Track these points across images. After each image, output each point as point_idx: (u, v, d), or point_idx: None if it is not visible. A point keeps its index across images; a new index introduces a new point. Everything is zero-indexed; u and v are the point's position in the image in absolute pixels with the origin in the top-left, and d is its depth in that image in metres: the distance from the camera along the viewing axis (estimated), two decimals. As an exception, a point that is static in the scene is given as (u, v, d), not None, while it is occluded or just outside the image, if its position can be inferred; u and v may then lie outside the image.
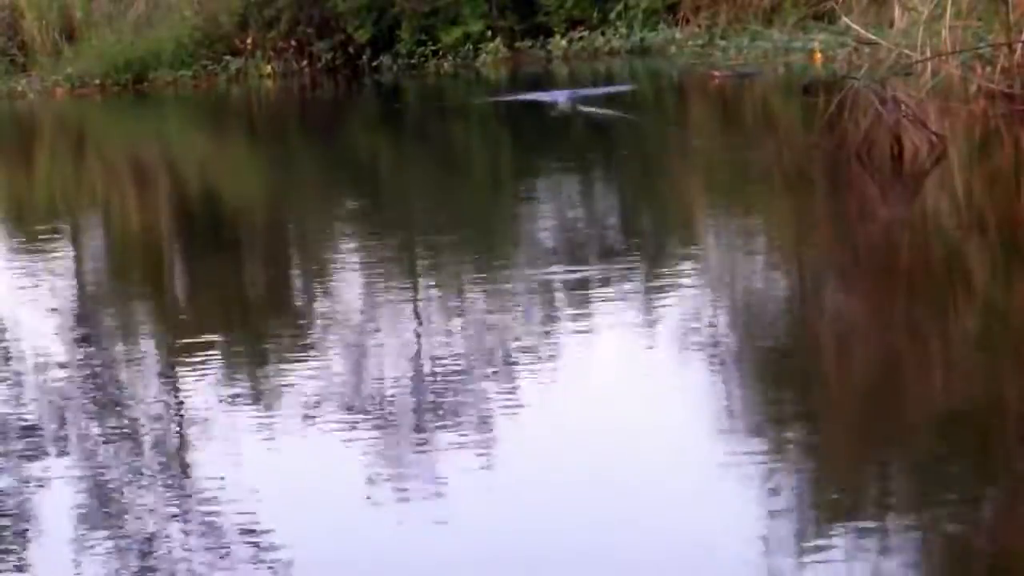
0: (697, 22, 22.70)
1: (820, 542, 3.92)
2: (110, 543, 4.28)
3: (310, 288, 8.09)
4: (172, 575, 4.05)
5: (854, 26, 15.45)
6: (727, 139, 13.45)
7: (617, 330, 6.32)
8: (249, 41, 25.37)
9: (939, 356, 5.76)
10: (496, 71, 23.17)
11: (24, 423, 5.62)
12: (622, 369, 5.81)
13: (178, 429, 5.44)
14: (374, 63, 24.62)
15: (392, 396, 5.61)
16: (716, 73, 18.23)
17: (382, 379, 5.89)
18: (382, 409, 5.42)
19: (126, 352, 6.87)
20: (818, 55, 18.06)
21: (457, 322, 6.77)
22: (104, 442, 5.30)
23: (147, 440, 5.31)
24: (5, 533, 4.46)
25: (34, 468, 5.05)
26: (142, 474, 4.91)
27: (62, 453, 5.22)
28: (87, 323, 7.64)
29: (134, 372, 6.44)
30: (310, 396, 5.60)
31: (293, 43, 25.07)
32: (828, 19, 18.81)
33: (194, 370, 6.20)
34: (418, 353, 6.27)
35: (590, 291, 7.12)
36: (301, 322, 7.09)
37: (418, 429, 5.14)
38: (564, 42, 23.84)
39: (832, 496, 4.27)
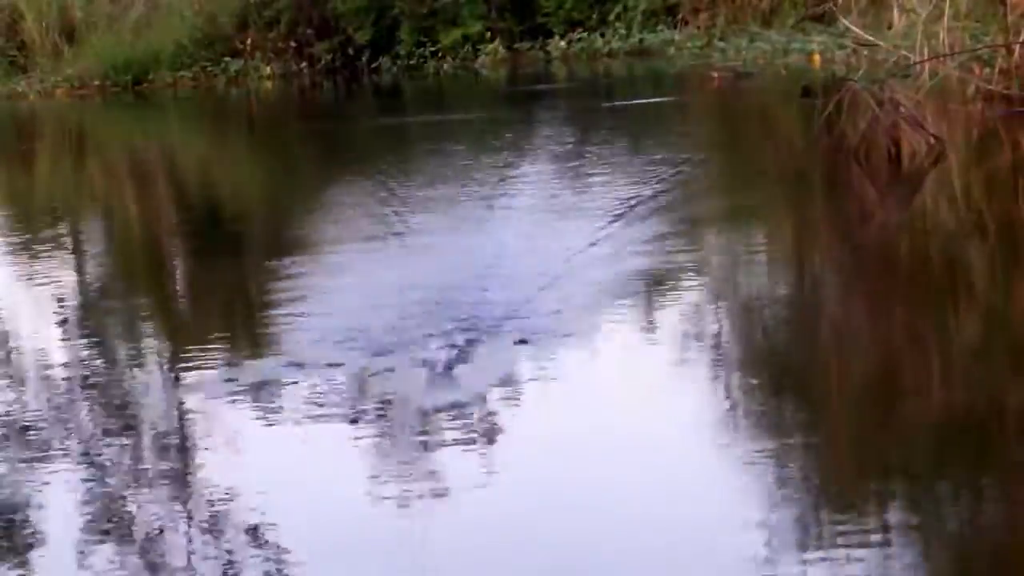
0: (696, 23, 22.74)
1: (820, 543, 3.95)
2: (114, 542, 4.31)
3: (306, 288, 8.08)
4: (177, 571, 4.08)
5: (853, 28, 15.48)
6: (726, 140, 13.49)
7: (617, 331, 6.34)
8: (249, 42, 25.40)
9: (939, 357, 5.78)
10: (495, 72, 23.22)
11: (25, 422, 5.66)
12: (623, 370, 5.83)
13: (181, 426, 5.47)
14: (373, 64, 24.66)
15: (395, 392, 5.63)
16: (716, 75, 18.26)
17: (383, 373, 5.90)
18: (385, 404, 5.45)
19: (128, 350, 6.90)
20: (817, 57, 18.10)
21: (463, 320, 6.76)
22: (110, 438, 5.33)
23: (149, 439, 5.34)
24: (9, 532, 4.49)
25: (35, 466, 5.08)
26: (146, 471, 4.94)
27: (65, 451, 5.26)
28: (90, 323, 7.66)
29: (137, 370, 6.46)
30: (311, 397, 5.62)
31: (292, 44, 25.10)
32: (827, 21, 18.84)
33: (195, 367, 6.23)
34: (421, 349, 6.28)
35: (591, 296, 7.14)
36: (298, 322, 7.09)
37: (423, 424, 5.17)
38: (563, 43, 23.89)
39: (832, 497, 4.30)
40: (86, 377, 6.38)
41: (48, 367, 6.63)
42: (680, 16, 23.10)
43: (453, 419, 5.23)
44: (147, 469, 4.98)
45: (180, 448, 5.23)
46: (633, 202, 9.41)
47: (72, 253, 10.31)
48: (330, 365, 5.96)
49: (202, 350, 6.62)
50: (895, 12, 14.99)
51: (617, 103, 17.36)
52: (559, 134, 13.61)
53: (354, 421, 5.26)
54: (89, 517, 4.54)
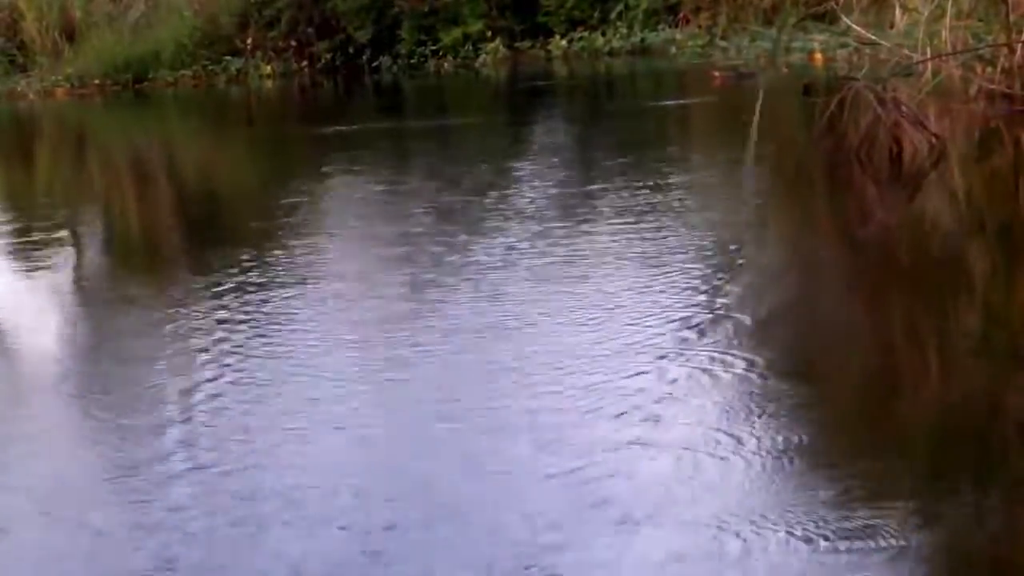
0: (697, 22, 22.78)
1: (820, 541, 3.94)
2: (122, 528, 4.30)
3: (301, 287, 8.08)
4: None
5: (854, 27, 15.48)
6: (725, 139, 13.46)
7: (617, 331, 6.33)
8: (249, 41, 25.43)
9: (939, 357, 5.77)
10: (496, 71, 23.24)
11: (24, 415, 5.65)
12: (621, 367, 5.81)
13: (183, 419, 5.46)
14: (374, 63, 24.68)
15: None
16: (717, 74, 18.27)
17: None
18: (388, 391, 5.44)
19: (132, 350, 6.90)
20: (818, 56, 18.11)
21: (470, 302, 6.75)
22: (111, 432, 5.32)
23: (150, 432, 5.33)
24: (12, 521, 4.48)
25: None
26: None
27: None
28: (92, 323, 7.66)
29: (139, 370, 6.46)
30: (318, 389, 5.61)
31: (293, 43, 25.14)
32: (828, 20, 18.86)
33: (195, 369, 6.22)
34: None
35: (593, 292, 7.13)
36: (299, 322, 7.09)
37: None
38: (564, 42, 23.91)
39: (833, 496, 4.29)
40: (96, 382, 6.38)
41: (48, 366, 6.62)
42: (681, 15, 23.14)
43: None
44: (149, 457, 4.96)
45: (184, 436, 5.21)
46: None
47: (73, 253, 10.31)
48: None
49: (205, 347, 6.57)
50: (897, 11, 14.99)
51: (630, 105, 17.36)
52: (571, 165, 13.10)
53: None
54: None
